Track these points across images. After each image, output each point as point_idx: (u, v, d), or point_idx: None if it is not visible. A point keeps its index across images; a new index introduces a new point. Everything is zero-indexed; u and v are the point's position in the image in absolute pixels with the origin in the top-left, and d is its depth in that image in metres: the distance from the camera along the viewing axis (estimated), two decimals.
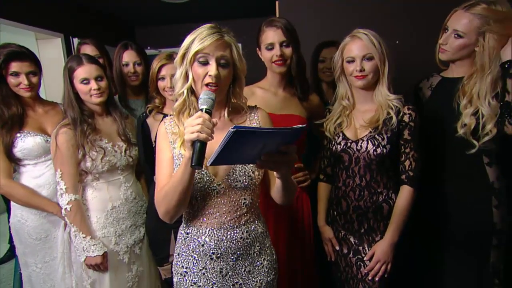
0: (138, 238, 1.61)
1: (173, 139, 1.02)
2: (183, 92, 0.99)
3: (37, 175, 1.57)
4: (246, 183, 1.02)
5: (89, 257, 1.42)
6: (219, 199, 1.02)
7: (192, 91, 1.00)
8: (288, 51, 1.37)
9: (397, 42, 1.86)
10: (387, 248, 1.24)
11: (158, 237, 1.58)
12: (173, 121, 1.05)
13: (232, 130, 0.73)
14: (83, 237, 1.42)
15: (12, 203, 1.61)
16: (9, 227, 2.03)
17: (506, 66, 1.17)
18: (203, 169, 0.97)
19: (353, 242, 1.34)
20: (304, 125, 0.81)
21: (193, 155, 0.83)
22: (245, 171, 1.01)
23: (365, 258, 1.29)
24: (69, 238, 1.58)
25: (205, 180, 0.99)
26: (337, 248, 1.39)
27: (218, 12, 3.70)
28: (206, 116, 0.85)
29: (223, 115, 1.06)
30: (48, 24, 2.76)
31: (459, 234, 1.33)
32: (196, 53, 0.94)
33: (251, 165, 1.01)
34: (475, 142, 1.22)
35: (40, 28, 2.68)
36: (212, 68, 0.94)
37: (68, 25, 2.98)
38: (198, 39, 0.94)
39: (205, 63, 0.95)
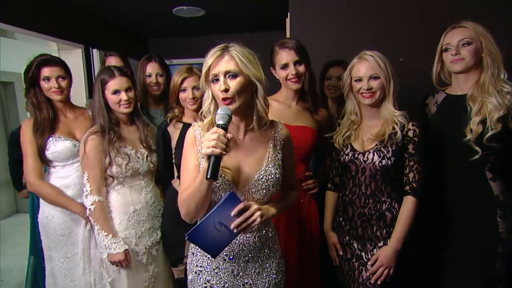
0: (155, 240, 1.69)
1: (201, 148, 1.07)
2: (209, 110, 1.06)
3: (64, 176, 1.69)
4: (264, 195, 1.08)
5: (111, 254, 1.51)
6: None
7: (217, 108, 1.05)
8: (301, 68, 1.48)
9: (401, 59, 1.98)
10: (391, 254, 1.32)
11: (173, 239, 1.66)
12: (202, 130, 1.09)
13: (186, 237, 0.99)
14: (105, 235, 1.51)
15: (40, 200, 1.72)
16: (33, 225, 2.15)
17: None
18: (224, 177, 1.03)
19: (356, 247, 1.42)
20: (231, 192, 1.00)
21: (208, 168, 0.90)
22: (266, 186, 1.07)
23: (368, 263, 1.36)
24: (89, 236, 1.69)
25: (227, 189, 1.04)
26: (341, 253, 1.47)
27: (230, 26, 3.82)
28: (221, 131, 0.91)
29: (250, 129, 1.08)
30: (70, 36, 2.93)
31: (463, 243, 1.39)
32: (207, 73, 1.02)
33: (272, 180, 1.08)
34: (478, 149, 1.30)
35: (62, 39, 2.85)
36: (220, 83, 0.99)
37: (87, 36, 3.16)
38: (207, 60, 1.02)
39: (217, 81, 1.01)
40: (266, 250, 1.16)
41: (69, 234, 1.70)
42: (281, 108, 1.55)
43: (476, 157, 1.31)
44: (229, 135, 0.94)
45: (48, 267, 1.76)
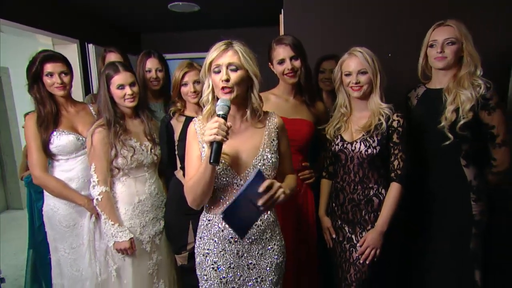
0: (159, 229, 1.77)
1: (202, 140, 1.16)
2: (208, 99, 1.15)
3: (68, 169, 1.73)
4: None
5: (117, 242, 1.58)
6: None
7: (216, 99, 1.15)
8: (297, 63, 1.57)
9: (389, 55, 2.08)
10: (377, 235, 1.43)
11: (176, 228, 1.74)
12: (202, 123, 1.19)
13: (221, 215, 1.03)
14: (112, 224, 1.58)
15: (45, 193, 1.77)
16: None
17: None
18: (225, 163, 1.12)
19: (347, 231, 1.53)
20: (259, 169, 1.05)
21: (211, 154, 0.99)
22: (263, 170, 1.15)
23: (357, 245, 1.48)
24: (94, 228, 1.74)
25: (228, 175, 1.14)
26: (334, 236, 1.58)
27: (224, 21, 3.86)
28: (222, 120, 1.02)
29: (245, 119, 1.19)
30: (65, 30, 2.94)
31: (442, 225, 1.52)
32: (210, 64, 1.10)
33: (268, 164, 1.17)
34: (450, 135, 1.44)
35: (57, 34, 2.86)
36: (222, 74, 1.09)
37: (83, 31, 3.16)
38: (211, 51, 1.11)
39: (219, 72, 1.10)
40: (268, 233, 1.25)
41: (74, 225, 1.75)
42: (279, 101, 1.64)
43: (448, 142, 1.45)
44: (228, 124, 1.04)
45: (54, 258, 1.81)
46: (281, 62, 1.58)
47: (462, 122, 1.42)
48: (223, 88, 1.09)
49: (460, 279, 1.51)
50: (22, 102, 4.06)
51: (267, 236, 1.25)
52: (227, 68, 1.09)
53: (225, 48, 1.10)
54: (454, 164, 1.50)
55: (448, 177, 1.52)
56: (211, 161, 1.00)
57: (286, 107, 1.60)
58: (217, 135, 0.99)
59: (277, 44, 1.59)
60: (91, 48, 3.12)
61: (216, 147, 0.99)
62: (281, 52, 1.57)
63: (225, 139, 1.01)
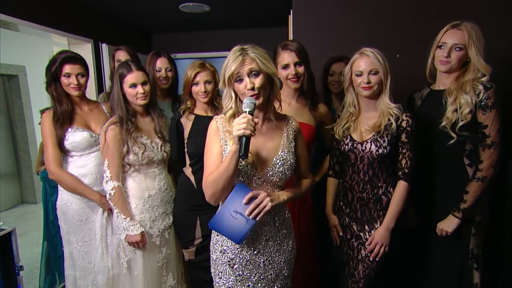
0: (168, 224, 1.81)
1: (224, 137, 1.19)
2: (231, 106, 1.19)
3: (82, 165, 1.78)
4: (280, 177, 1.20)
5: (129, 235, 1.63)
6: (257, 189, 1.19)
7: (240, 101, 1.19)
8: (301, 69, 1.61)
9: (397, 55, 2.08)
10: (385, 232, 1.45)
11: (185, 222, 1.77)
12: (224, 121, 1.22)
13: (209, 227, 1.17)
14: (124, 218, 1.63)
15: (59, 188, 1.82)
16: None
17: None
18: (248, 159, 1.15)
19: (355, 229, 1.54)
20: (240, 183, 1.16)
21: (240, 147, 1.05)
22: (282, 170, 1.20)
23: (366, 243, 1.49)
24: (106, 223, 1.79)
25: (248, 172, 1.17)
26: (341, 234, 1.59)
27: (234, 21, 3.88)
28: (250, 116, 1.07)
29: (267, 119, 1.23)
30: (80, 30, 3.01)
31: (446, 214, 1.51)
32: (231, 76, 1.13)
33: (287, 164, 1.20)
34: (453, 134, 1.44)
35: (72, 34, 2.94)
36: (246, 83, 1.13)
37: (96, 31, 3.24)
38: (229, 64, 1.13)
39: (241, 80, 1.14)
40: (284, 231, 1.28)
41: (86, 219, 1.81)
42: (282, 105, 1.66)
43: (452, 141, 1.45)
44: (256, 120, 1.10)
45: (67, 250, 1.87)
46: (286, 67, 1.61)
47: (460, 123, 1.43)
48: (251, 96, 1.14)
49: (460, 280, 1.52)
50: (38, 99, 4.26)
51: (283, 233, 1.28)
52: (248, 76, 1.13)
53: (242, 59, 1.13)
54: (457, 163, 1.50)
55: (450, 176, 1.53)
56: (241, 153, 1.04)
57: (288, 111, 1.61)
58: (246, 129, 1.04)
59: (283, 49, 1.62)
60: (104, 47, 3.19)
61: (245, 141, 1.04)
62: (286, 57, 1.61)
63: (253, 133, 1.05)
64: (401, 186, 1.46)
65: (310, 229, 1.71)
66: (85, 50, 3.04)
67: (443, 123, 1.46)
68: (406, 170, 1.46)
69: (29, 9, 2.51)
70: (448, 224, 1.49)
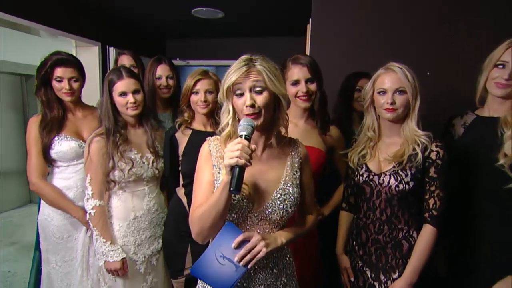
0: (156, 249, 1.64)
1: (217, 163, 1.01)
2: (228, 123, 1.00)
3: (67, 177, 1.65)
4: (281, 215, 1.01)
5: (107, 262, 1.46)
6: (253, 228, 1.01)
7: (237, 121, 1.01)
8: (313, 87, 1.42)
9: (428, 73, 1.84)
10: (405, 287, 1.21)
11: (174, 249, 1.61)
12: (218, 144, 1.04)
13: (191, 272, 0.98)
14: (103, 242, 1.47)
15: (41, 201, 1.69)
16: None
17: None
18: (241, 194, 0.97)
19: (369, 276, 1.31)
20: (229, 222, 0.97)
21: (231, 180, 0.84)
22: (283, 206, 1.00)
23: None
24: (89, 242, 1.64)
25: (243, 207, 0.98)
26: (352, 279, 1.37)
27: (249, 29, 3.76)
28: (245, 142, 0.87)
29: (268, 145, 1.04)
30: (87, 33, 2.96)
31: (494, 272, 1.25)
32: (231, 86, 0.96)
33: (290, 200, 1.01)
34: None
35: (79, 36, 2.88)
36: (246, 98, 0.95)
37: (105, 34, 3.18)
38: (231, 73, 0.96)
39: (241, 95, 0.96)
40: (283, 278, 1.07)
41: (68, 238, 1.66)
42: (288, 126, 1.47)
43: (511, 185, 1.19)
44: (253, 146, 0.89)
45: (45, 270, 1.72)
46: (295, 83, 1.42)
47: None
48: (248, 114, 0.95)
49: None
50: None
51: (282, 281, 1.07)
52: (250, 91, 0.95)
53: (247, 69, 0.95)
54: (509, 202, 1.23)
55: (498, 216, 1.26)
56: (232, 188, 0.85)
57: (295, 133, 1.41)
58: (240, 158, 0.84)
59: (293, 64, 1.43)
60: (111, 51, 3.11)
61: (238, 172, 0.85)
62: (296, 72, 1.41)
63: (248, 163, 0.86)
64: (428, 231, 1.21)
65: (316, 273, 1.48)
66: (92, 53, 3.02)
67: (501, 161, 1.20)
68: (435, 212, 1.21)
69: (49, 14, 2.51)
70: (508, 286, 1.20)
